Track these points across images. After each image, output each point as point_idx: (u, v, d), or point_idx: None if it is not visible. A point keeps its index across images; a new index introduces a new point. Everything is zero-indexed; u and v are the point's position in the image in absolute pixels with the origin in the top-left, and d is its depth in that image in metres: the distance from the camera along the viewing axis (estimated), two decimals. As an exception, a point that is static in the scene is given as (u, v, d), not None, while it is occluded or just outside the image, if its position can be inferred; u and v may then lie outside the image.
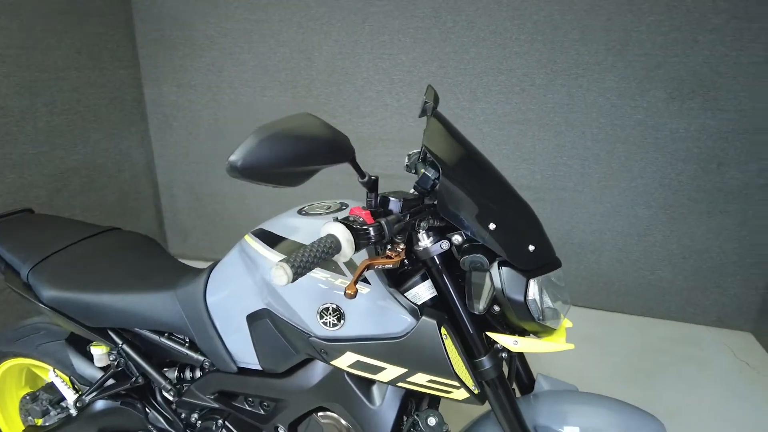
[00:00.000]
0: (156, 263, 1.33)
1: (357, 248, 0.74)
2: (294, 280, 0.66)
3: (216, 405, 1.19)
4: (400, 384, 0.93)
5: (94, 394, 1.25)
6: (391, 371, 0.91)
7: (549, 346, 0.92)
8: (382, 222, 0.76)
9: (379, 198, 0.84)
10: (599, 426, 1.04)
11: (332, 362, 0.95)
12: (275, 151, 0.67)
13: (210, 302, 1.13)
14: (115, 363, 1.26)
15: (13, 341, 1.45)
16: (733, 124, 2.32)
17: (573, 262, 2.79)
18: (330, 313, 0.92)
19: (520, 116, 2.64)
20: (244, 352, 1.10)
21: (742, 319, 2.57)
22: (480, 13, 2.53)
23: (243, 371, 1.12)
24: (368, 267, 0.79)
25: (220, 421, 1.18)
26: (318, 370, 1.03)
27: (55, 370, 1.35)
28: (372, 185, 0.81)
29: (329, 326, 0.92)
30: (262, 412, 1.15)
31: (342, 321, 0.91)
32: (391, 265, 0.81)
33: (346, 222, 0.75)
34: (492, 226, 0.86)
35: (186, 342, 1.22)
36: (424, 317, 0.88)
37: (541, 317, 0.89)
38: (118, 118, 3.04)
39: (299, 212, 1.09)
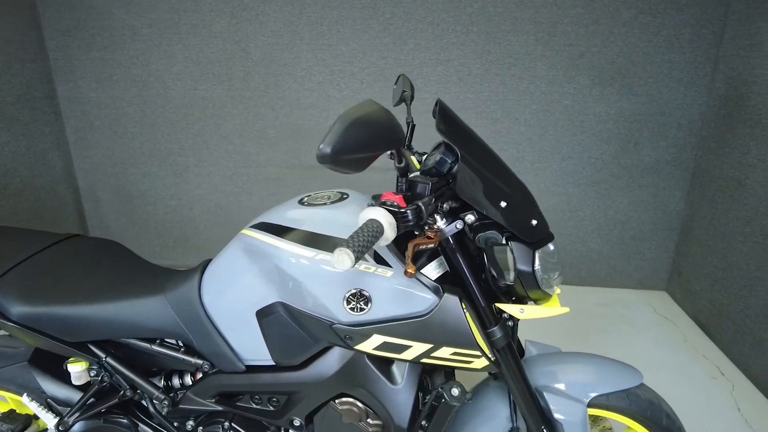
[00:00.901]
0: (134, 268, 1.25)
1: (398, 231, 0.77)
2: (355, 263, 0.68)
3: (218, 408, 1.15)
4: (424, 360, 0.97)
5: (77, 414, 1.15)
6: (416, 348, 0.95)
7: (549, 311, 1.01)
8: (420, 204, 0.79)
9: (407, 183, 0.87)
10: (588, 379, 1.17)
11: (357, 347, 0.96)
12: (356, 137, 0.68)
13: (207, 302, 1.09)
14: (98, 378, 1.17)
15: None
16: (645, 108, 2.61)
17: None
18: (357, 299, 0.93)
19: (458, 104, 2.75)
20: (252, 348, 1.07)
21: (657, 279, 2.92)
22: (417, 5, 2.60)
23: (251, 369, 1.10)
24: (415, 247, 0.82)
25: (226, 424, 1.14)
26: (337, 358, 1.03)
27: (27, 395, 1.21)
28: (405, 171, 0.84)
29: (356, 311, 0.94)
30: (271, 408, 1.13)
31: (369, 305, 0.93)
32: (433, 245, 0.85)
33: (385, 206, 0.77)
34: (503, 204, 0.92)
35: (181, 347, 1.16)
36: (446, 294, 0.93)
37: (542, 285, 0.98)
38: (28, 117, 2.73)
39: (300, 203, 1.09)
